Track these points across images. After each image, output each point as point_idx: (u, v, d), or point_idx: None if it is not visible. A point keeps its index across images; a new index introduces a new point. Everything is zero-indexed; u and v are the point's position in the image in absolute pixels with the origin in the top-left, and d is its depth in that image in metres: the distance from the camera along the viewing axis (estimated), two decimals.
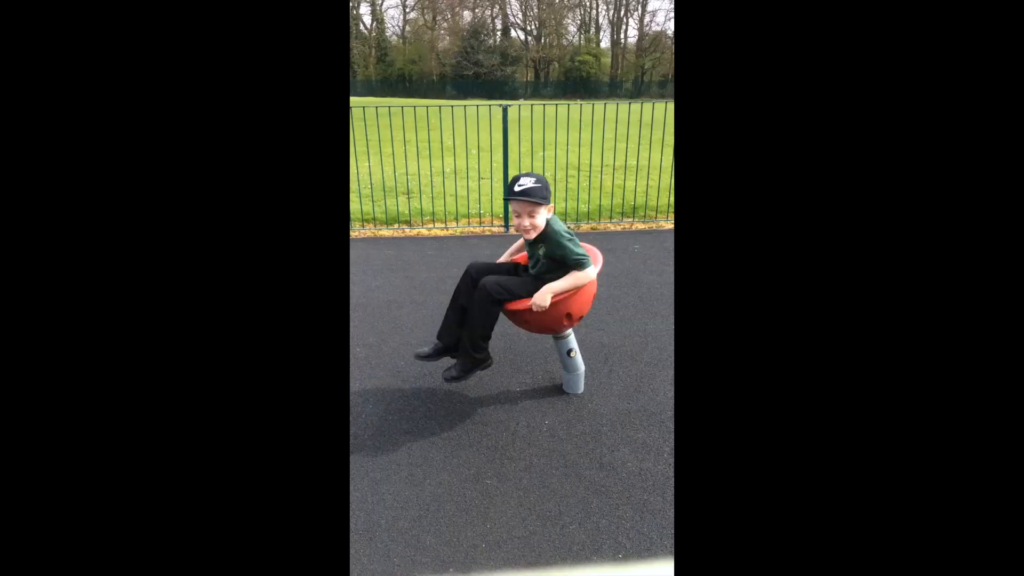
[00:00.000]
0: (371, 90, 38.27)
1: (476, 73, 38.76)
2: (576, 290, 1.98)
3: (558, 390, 2.27)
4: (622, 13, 43.89)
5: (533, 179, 1.96)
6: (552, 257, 2.01)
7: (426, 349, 2.15)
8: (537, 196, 1.93)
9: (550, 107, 5.29)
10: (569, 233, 2.02)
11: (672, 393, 2.23)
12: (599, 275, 2.10)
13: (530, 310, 1.95)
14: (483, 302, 1.98)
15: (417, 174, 5.83)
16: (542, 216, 1.98)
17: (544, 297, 1.93)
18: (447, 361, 2.20)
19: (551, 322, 2.04)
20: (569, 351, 2.17)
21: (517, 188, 1.94)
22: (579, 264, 1.98)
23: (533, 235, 2.01)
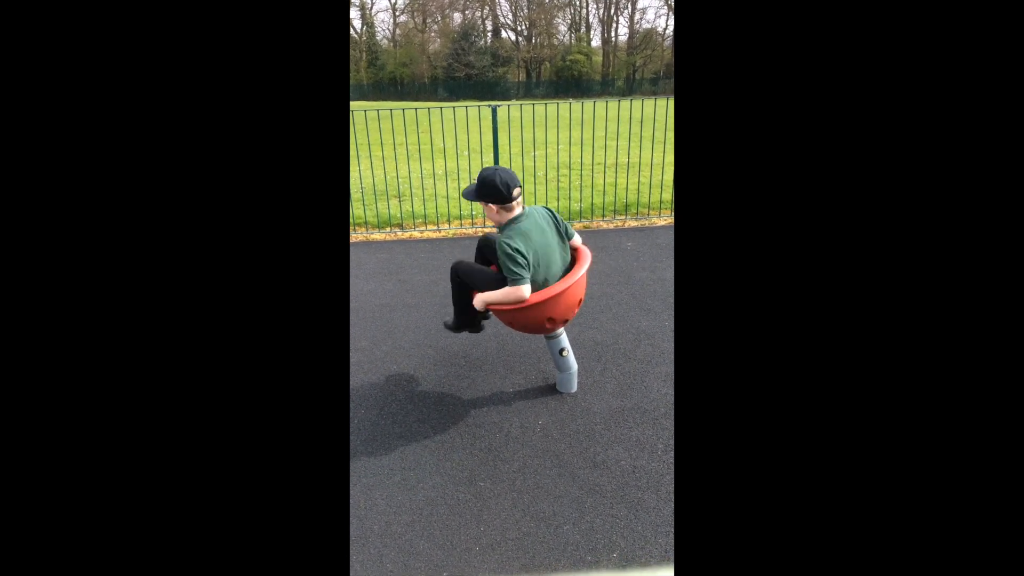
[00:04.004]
0: (362, 94, 38.20)
1: (467, 74, 38.74)
2: (553, 296, 1.95)
3: (551, 389, 2.27)
4: (612, 11, 43.96)
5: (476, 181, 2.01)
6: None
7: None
8: (468, 195, 2.02)
9: (540, 106, 5.28)
10: (515, 249, 1.90)
11: (665, 390, 2.23)
12: (591, 273, 2.10)
13: (506, 311, 2.00)
14: (452, 277, 2.22)
15: (408, 177, 5.81)
16: (491, 211, 2.01)
17: (479, 301, 2.05)
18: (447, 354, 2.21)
19: (534, 325, 2.04)
20: (561, 350, 2.17)
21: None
22: (512, 281, 1.92)
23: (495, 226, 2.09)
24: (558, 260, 2.06)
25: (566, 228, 2.12)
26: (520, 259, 1.89)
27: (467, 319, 2.28)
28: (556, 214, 2.13)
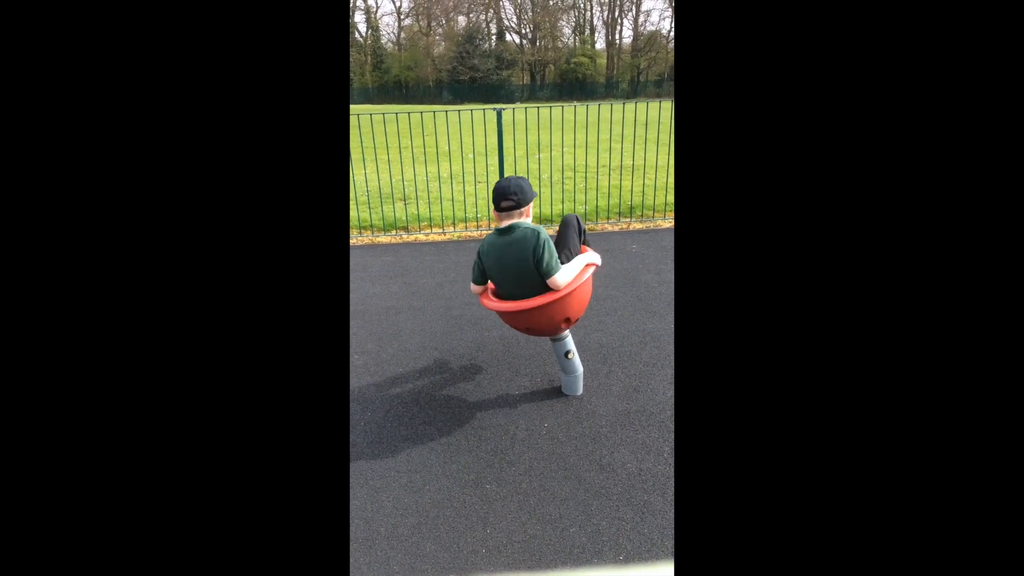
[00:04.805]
0: (367, 97, 38.34)
1: (472, 78, 38.81)
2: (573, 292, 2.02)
3: (557, 392, 2.27)
4: (616, 14, 43.97)
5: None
6: None
7: None
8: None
9: (545, 109, 5.29)
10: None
11: (671, 392, 2.22)
12: (597, 275, 2.12)
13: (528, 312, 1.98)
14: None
15: (414, 180, 5.83)
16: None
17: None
18: (441, 366, 2.21)
19: (552, 327, 2.06)
20: (567, 353, 2.17)
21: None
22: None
23: None
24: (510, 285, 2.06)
25: (540, 261, 1.94)
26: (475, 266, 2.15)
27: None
28: (539, 246, 1.94)
